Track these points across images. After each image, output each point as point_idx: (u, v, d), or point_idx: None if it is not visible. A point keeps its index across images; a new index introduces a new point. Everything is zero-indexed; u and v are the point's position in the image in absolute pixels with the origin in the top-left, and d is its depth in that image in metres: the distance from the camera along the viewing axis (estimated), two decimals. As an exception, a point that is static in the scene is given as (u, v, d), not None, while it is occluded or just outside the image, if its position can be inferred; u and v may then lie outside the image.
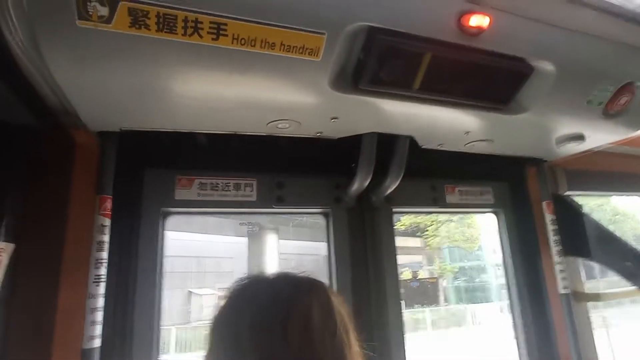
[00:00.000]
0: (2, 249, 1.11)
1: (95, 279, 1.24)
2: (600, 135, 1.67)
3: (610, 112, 1.49)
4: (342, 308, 0.87)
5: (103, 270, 1.26)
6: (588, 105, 1.42)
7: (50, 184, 1.35)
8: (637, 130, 1.66)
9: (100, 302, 1.24)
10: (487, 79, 1.27)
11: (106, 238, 1.28)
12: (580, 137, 1.65)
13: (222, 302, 0.87)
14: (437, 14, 1.04)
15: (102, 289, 1.25)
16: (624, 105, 1.48)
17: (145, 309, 1.40)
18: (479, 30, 1.08)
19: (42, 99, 1.17)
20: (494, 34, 1.10)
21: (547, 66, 1.24)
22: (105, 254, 1.27)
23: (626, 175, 2.50)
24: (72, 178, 1.40)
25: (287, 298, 0.82)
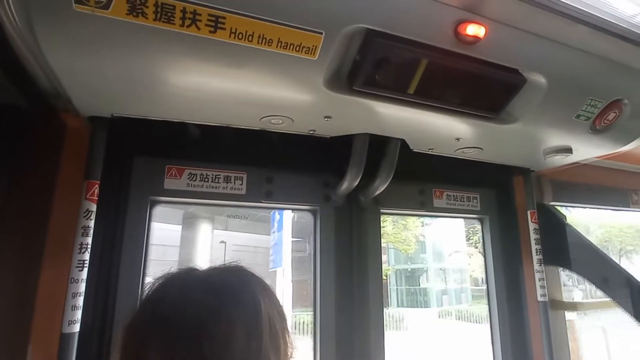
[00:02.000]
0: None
1: (78, 263, 1.24)
2: (587, 149, 1.71)
3: (597, 128, 1.52)
4: (272, 308, 0.77)
5: (87, 256, 1.25)
6: (577, 119, 1.45)
7: (38, 166, 1.34)
8: (624, 145, 1.70)
9: (82, 287, 1.24)
10: (481, 87, 1.29)
11: (91, 224, 1.27)
12: (567, 150, 1.68)
13: (137, 307, 0.76)
14: (434, 20, 1.05)
15: (84, 274, 1.24)
16: (612, 121, 1.51)
17: (127, 296, 1.40)
18: (475, 40, 1.09)
19: (34, 81, 1.15)
20: (489, 44, 1.11)
21: (539, 79, 1.27)
22: (89, 240, 1.26)
23: (611, 189, 2.56)
24: (60, 162, 1.39)
25: (207, 313, 0.69)
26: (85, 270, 1.24)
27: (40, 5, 0.83)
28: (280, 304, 0.81)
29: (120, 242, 1.42)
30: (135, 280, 1.43)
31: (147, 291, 0.76)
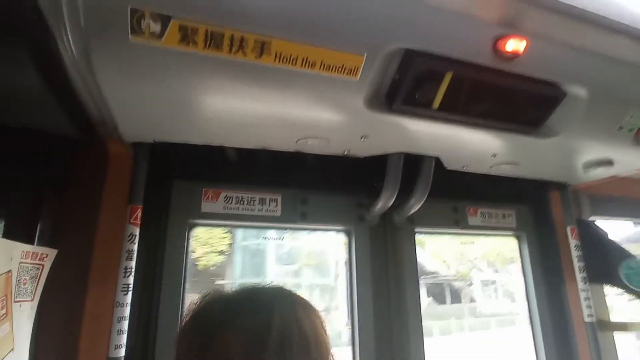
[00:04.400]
0: (45, 255, 1.13)
1: (123, 287, 1.25)
2: (629, 162, 1.66)
3: (641, 139, 1.48)
4: (298, 328, 0.77)
5: (131, 279, 1.27)
6: (619, 131, 1.41)
7: (84, 192, 1.38)
8: (667, 157, 1.64)
9: (127, 311, 1.25)
10: (520, 102, 1.27)
11: (135, 247, 1.29)
12: (609, 163, 1.63)
13: (183, 321, 0.82)
14: (473, 37, 1.06)
15: (129, 297, 1.25)
16: (656, 133, 1.47)
17: (168, 319, 1.40)
18: (514, 55, 1.09)
19: (84, 109, 1.21)
20: (529, 59, 1.10)
21: (580, 91, 1.25)
22: (133, 263, 1.28)
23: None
24: (105, 187, 1.43)
25: (217, 324, 0.75)
26: (130, 293, 1.26)
27: (98, 37, 0.88)
28: (322, 327, 0.82)
29: (162, 265, 1.44)
30: (176, 302, 1.43)
31: (188, 314, 0.82)
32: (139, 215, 1.32)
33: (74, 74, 1.03)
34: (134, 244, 1.29)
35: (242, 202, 1.61)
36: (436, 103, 1.22)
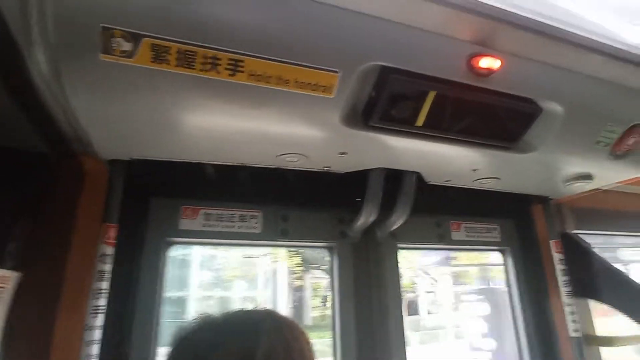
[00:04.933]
0: (7, 277, 1.09)
1: (93, 310, 1.22)
2: (608, 175, 1.68)
3: (618, 153, 1.50)
4: (285, 350, 0.79)
5: (102, 301, 1.23)
6: (596, 145, 1.43)
7: (57, 211, 1.34)
8: (645, 170, 1.66)
9: (97, 334, 1.20)
10: (496, 118, 1.29)
11: (108, 267, 1.26)
12: (588, 177, 1.65)
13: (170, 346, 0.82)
14: (448, 55, 1.07)
15: (100, 320, 1.21)
16: (632, 146, 1.49)
17: (143, 343, 1.35)
18: (489, 72, 1.10)
19: (56, 126, 1.18)
20: (504, 76, 1.11)
21: (556, 107, 1.26)
22: (106, 284, 1.24)
23: (633, 214, 2.48)
24: (79, 205, 1.39)
25: (206, 347, 0.76)
26: (101, 316, 1.22)
27: (69, 55, 0.86)
28: (309, 349, 0.84)
29: (136, 285, 1.40)
30: (151, 325, 1.39)
31: (176, 339, 0.83)
32: (113, 234, 1.29)
33: (45, 92, 1.02)
34: (107, 264, 1.26)
35: (221, 219, 1.58)
36: (414, 120, 1.23)
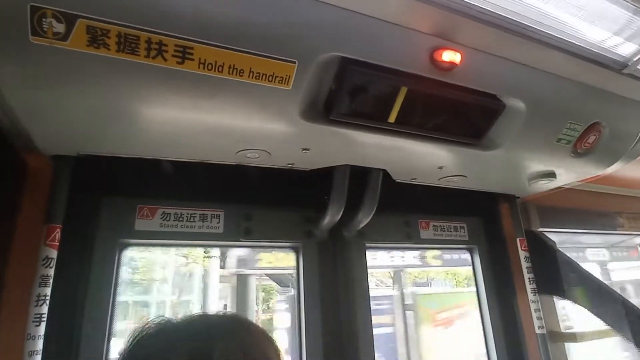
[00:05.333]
0: None
1: (35, 318, 1.12)
2: (570, 173, 1.70)
3: (579, 151, 1.52)
4: (263, 354, 0.76)
5: (45, 309, 1.14)
6: (558, 143, 1.44)
7: (-5, 210, 1.24)
8: (606, 168, 1.69)
9: (39, 344, 1.11)
10: (461, 114, 1.27)
11: (51, 272, 1.17)
12: (551, 175, 1.66)
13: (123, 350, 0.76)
14: (409, 47, 1.04)
15: (42, 329, 1.12)
16: (592, 144, 1.51)
17: (92, 353, 1.26)
18: (452, 66, 1.08)
19: None
20: (466, 70, 1.10)
21: (518, 104, 1.26)
22: (48, 290, 1.15)
23: (598, 212, 2.55)
24: (21, 205, 1.29)
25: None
26: (43, 325, 1.12)
27: None
28: (277, 354, 0.79)
29: (85, 291, 1.30)
30: (101, 334, 1.30)
31: (130, 341, 0.76)
32: (57, 235, 1.20)
33: None
34: (50, 268, 1.17)
35: (181, 219, 1.50)
36: (377, 114, 1.19)
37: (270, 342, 0.80)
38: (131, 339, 0.76)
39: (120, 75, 0.91)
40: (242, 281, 3.35)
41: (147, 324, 0.78)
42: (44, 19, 0.78)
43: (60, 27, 0.80)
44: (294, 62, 0.97)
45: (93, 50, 0.84)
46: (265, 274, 3.51)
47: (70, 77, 0.89)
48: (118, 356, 0.75)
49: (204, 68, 0.92)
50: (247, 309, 3.34)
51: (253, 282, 3.39)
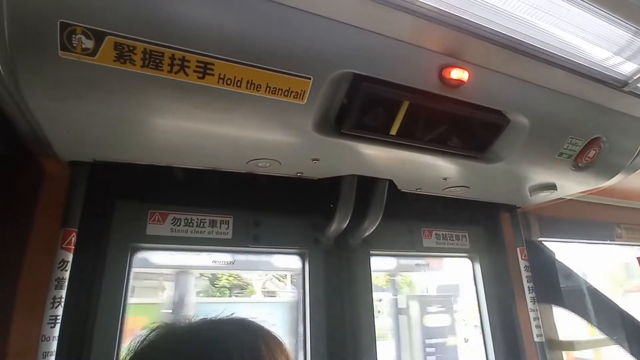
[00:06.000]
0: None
1: (50, 319, 1.15)
2: (571, 186, 1.74)
3: (580, 165, 1.56)
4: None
5: (60, 311, 1.17)
6: (559, 157, 1.48)
7: (14, 214, 1.27)
8: (606, 181, 1.73)
9: (54, 345, 1.14)
10: (466, 128, 1.31)
11: (66, 275, 1.20)
12: (552, 187, 1.70)
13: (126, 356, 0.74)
14: (419, 65, 1.08)
15: (56, 330, 1.15)
16: (593, 158, 1.55)
17: (104, 355, 1.29)
18: (459, 83, 1.12)
19: (13, 125, 1.12)
20: (473, 87, 1.14)
21: (522, 119, 1.30)
22: (63, 293, 1.18)
23: (596, 223, 2.60)
24: (37, 209, 1.32)
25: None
26: (58, 326, 1.15)
27: (25, 50, 0.82)
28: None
29: (98, 293, 1.34)
30: (112, 335, 1.33)
31: (137, 344, 0.73)
32: (73, 239, 1.23)
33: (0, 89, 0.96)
34: (66, 271, 1.20)
35: (191, 224, 1.54)
36: (386, 128, 1.23)
37: (280, 346, 0.78)
38: (135, 347, 0.73)
39: (142, 89, 0.94)
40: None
41: (154, 327, 0.76)
42: (73, 35, 0.82)
43: (89, 43, 0.83)
44: (309, 78, 1.00)
45: (119, 65, 0.87)
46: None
47: (94, 90, 0.93)
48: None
49: (223, 83, 0.96)
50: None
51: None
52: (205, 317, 0.80)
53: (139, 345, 0.73)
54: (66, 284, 1.19)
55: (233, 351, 0.70)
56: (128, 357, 0.72)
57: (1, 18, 0.76)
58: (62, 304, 1.18)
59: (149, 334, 0.74)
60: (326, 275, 1.71)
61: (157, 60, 0.89)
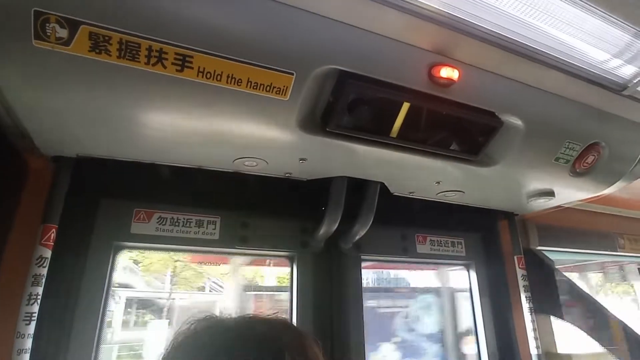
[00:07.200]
0: None
1: (25, 316, 1.12)
2: (569, 193, 1.69)
3: (578, 170, 1.51)
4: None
5: (36, 308, 1.14)
6: (556, 162, 1.44)
7: (-6, 209, 1.25)
8: (605, 189, 1.68)
9: (28, 343, 1.11)
10: (459, 129, 1.28)
11: (44, 272, 1.17)
12: (549, 193, 1.66)
13: (170, 347, 0.72)
14: (407, 63, 1.05)
15: (31, 328, 1.12)
16: (591, 164, 1.51)
17: (81, 354, 1.26)
18: (450, 82, 1.08)
19: None
20: (464, 87, 1.11)
21: (516, 121, 1.26)
22: (40, 290, 1.15)
23: (598, 233, 2.53)
24: (19, 204, 1.30)
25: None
26: (33, 324, 1.13)
27: None
28: None
29: (77, 292, 1.31)
30: (91, 334, 1.30)
31: (179, 336, 0.72)
32: (53, 236, 1.21)
33: None
34: (44, 267, 1.17)
35: (177, 224, 1.51)
36: (374, 128, 1.20)
37: (318, 345, 0.77)
38: (179, 339, 0.72)
39: (119, 81, 0.92)
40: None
41: (199, 319, 0.75)
42: (47, 24, 0.80)
43: (63, 33, 0.81)
44: (292, 74, 0.98)
45: (94, 55, 0.85)
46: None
47: (71, 80, 0.91)
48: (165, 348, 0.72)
49: (202, 76, 0.93)
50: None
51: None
52: (246, 313, 0.78)
53: (187, 335, 0.71)
54: (44, 280, 1.16)
55: (284, 347, 0.69)
56: (170, 346, 0.71)
57: None
58: (39, 301, 1.15)
59: (194, 325, 0.72)
60: (315, 279, 1.67)
61: (134, 52, 0.87)
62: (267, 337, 0.70)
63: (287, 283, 1.71)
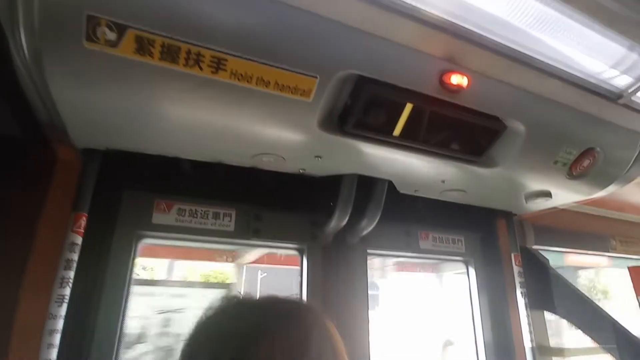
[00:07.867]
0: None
1: (57, 298, 1.20)
2: (566, 194, 1.78)
3: (574, 173, 1.60)
4: (326, 348, 0.74)
5: (67, 291, 1.21)
6: (554, 165, 1.53)
7: (26, 197, 1.32)
8: (600, 191, 1.77)
9: (60, 323, 1.19)
10: (464, 132, 1.36)
11: (75, 257, 1.24)
12: (547, 194, 1.75)
13: (201, 322, 0.75)
14: (421, 69, 1.14)
15: (63, 309, 1.20)
16: (587, 168, 1.59)
17: (106, 335, 1.34)
18: (459, 89, 1.17)
19: (32, 111, 1.17)
20: (472, 93, 1.19)
21: (518, 126, 1.35)
22: (72, 273, 1.23)
23: (591, 234, 2.64)
24: (49, 192, 1.37)
25: (247, 338, 0.68)
26: (65, 306, 1.20)
27: (51, 40, 0.87)
28: (342, 351, 0.77)
29: (103, 277, 1.39)
30: (115, 318, 1.38)
31: (208, 311, 0.75)
32: (83, 223, 1.28)
33: (23, 75, 1.02)
34: (75, 253, 1.25)
35: (195, 215, 1.59)
36: (387, 129, 1.29)
37: (335, 327, 0.80)
38: (208, 315, 0.74)
39: (158, 81, 1.00)
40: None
41: (226, 297, 0.78)
42: (97, 27, 0.87)
43: (112, 36, 0.89)
44: (316, 77, 1.06)
45: (139, 57, 0.93)
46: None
47: (114, 79, 0.98)
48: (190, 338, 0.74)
49: (234, 78, 1.01)
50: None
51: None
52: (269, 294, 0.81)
53: (215, 312, 0.74)
54: (75, 265, 1.24)
55: (310, 326, 0.72)
56: (205, 322, 0.73)
57: (32, 8, 0.82)
58: (70, 284, 1.22)
59: (222, 302, 0.76)
60: (323, 271, 1.75)
61: (174, 54, 0.94)
62: (293, 314, 0.75)
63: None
